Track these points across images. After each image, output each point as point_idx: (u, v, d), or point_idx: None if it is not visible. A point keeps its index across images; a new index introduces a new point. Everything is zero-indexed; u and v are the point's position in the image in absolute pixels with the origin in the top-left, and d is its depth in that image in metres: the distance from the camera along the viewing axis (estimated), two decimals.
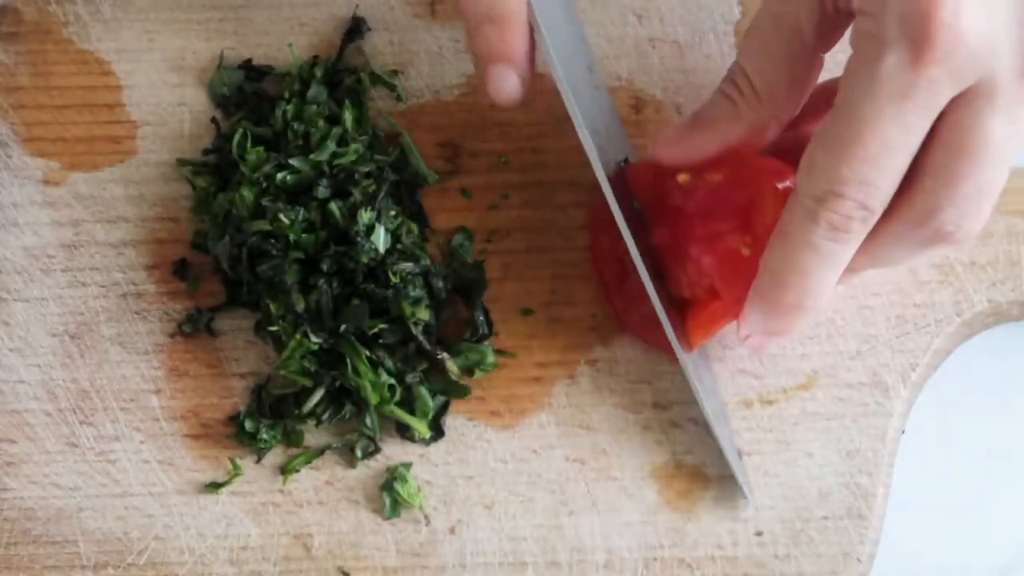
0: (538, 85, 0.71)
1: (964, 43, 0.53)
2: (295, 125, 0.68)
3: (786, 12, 0.59)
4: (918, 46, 0.53)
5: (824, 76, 0.61)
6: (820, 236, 0.57)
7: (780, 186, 0.61)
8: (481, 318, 0.67)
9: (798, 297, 0.59)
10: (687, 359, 0.64)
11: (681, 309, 0.65)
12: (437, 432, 0.66)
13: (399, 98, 0.71)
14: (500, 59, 0.61)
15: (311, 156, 0.66)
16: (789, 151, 0.62)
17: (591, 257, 0.68)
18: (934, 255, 0.64)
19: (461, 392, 0.67)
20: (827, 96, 0.59)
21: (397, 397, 0.65)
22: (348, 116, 0.68)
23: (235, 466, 0.66)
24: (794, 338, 0.67)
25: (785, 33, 0.59)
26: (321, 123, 0.68)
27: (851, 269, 0.59)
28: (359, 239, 0.64)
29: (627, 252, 0.64)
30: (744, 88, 0.60)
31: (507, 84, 0.62)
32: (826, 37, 0.59)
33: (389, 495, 0.66)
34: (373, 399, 0.65)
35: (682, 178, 0.64)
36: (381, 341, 0.65)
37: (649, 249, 0.64)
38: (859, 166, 0.54)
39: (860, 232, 0.56)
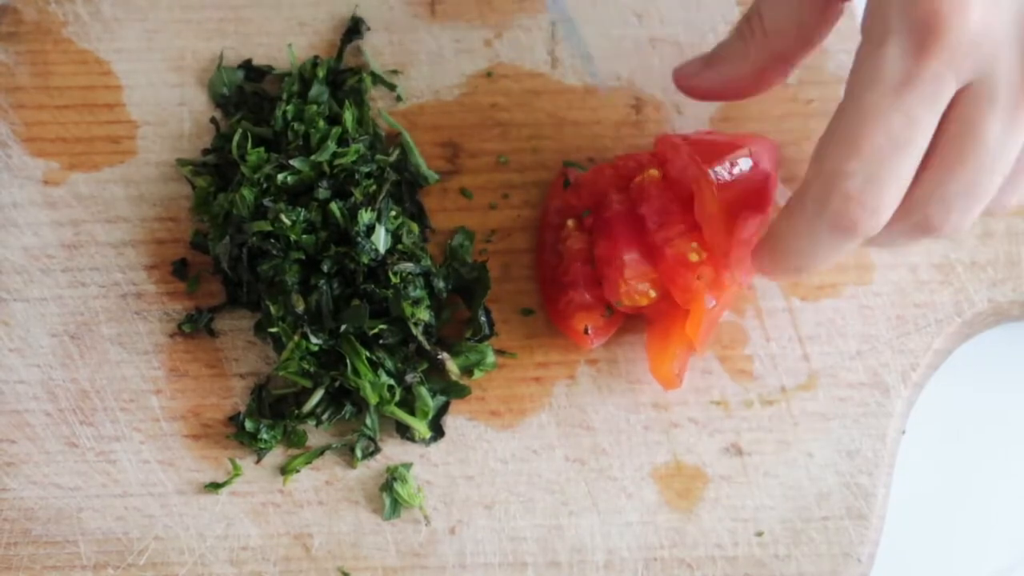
0: (536, 85, 0.71)
1: (967, 35, 0.53)
2: (295, 125, 0.68)
3: None
4: (921, 36, 0.53)
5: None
6: (825, 231, 0.56)
7: (714, 177, 0.63)
8: (483, 318, 0.67)
9: (797, 268, 0.60)
10: None
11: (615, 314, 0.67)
12: (437, 432, 0.66)
13: (399, 98, 0.71)
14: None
15: (312, 157, 0.66)
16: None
17: (536, 251, 0.69)
18: (922, 245, 0.64)
19: (461, 392, 0.67)
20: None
21: (397, 397, 0.65)
22: (348, 116, 0.68)
23: (235, 466, 0.66)
24: (793, 338, 0.67)
25: None
26: (321, 123, 0.68)
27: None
28: (359, 239, 0.64)
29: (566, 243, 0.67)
30: (756, 26, 0.62)
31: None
32: None
33: (389, 495, 0.66)
34: (373, 399, 0.65)
35: (638, 179, 0.66)
36: (381, 341, 0.65)
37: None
38: (867, 162, 0.54)
39: (866, 233, 0.56)
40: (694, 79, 0.65)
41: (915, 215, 0.56)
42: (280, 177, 0.66)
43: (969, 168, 0.55)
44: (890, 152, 0.54)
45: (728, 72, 0.64)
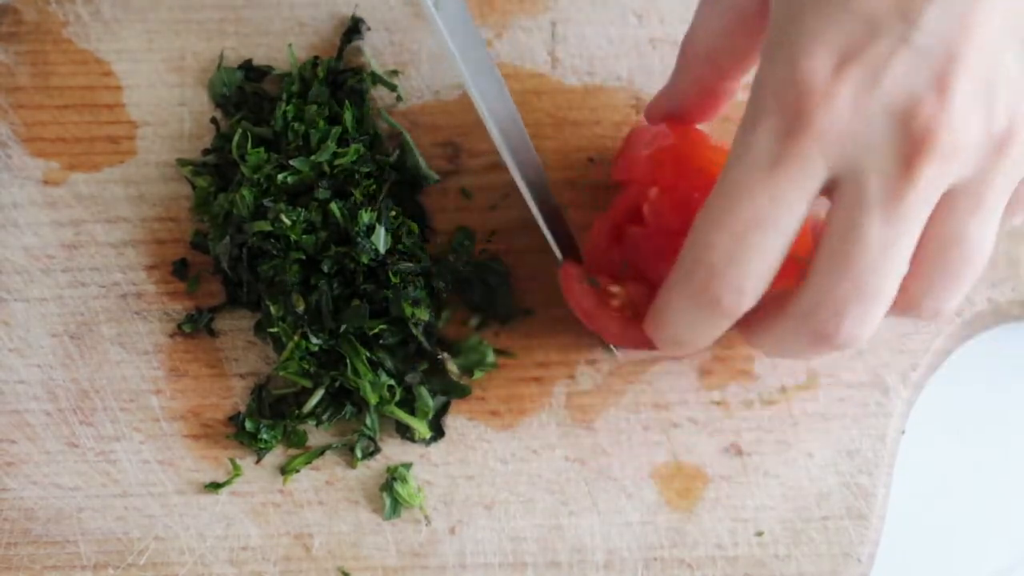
0: (536, 85, 0.71)
1: (836, 123, 0.52)
2: (295, 125, 0.68)
3: None
4: (790, 119, 0.52)
5: None
6: (692, 306, 0.56)
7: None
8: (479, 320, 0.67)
9: (676, 342, 0.59)
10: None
11: None
12: (437, 432, 0.66)
13: (399, 98, 0.71)
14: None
15: (312, 157, 0.66)
16: None
17: (564, 288, 0.67)
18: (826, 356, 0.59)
19: (461, 392, 0.67)
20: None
21: (397, 397, 0.65)
22: (348, 116, 0.68)
23: (235, 466, 0.66)
24: None
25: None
26: (321, 123, 0.68)
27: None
28: (359, 239, 0.64)
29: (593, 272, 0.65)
30: (690, 52, 0.63)
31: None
32: None
33: (389, 495, 0.66)
34: (373, 399, 0.65)
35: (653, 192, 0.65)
36: (381, 342, 0.65)
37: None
38: (731, 236, 0.53)
39: (731, 311, 0.55)
40: (653, 106, 0.65)
41: (808, 323, 0.54)
42: (280, 177, 0.66)
43: (852, 270, 0.53)
44: (755, 228, 0.53)
45: (679, 96, 0.64)
